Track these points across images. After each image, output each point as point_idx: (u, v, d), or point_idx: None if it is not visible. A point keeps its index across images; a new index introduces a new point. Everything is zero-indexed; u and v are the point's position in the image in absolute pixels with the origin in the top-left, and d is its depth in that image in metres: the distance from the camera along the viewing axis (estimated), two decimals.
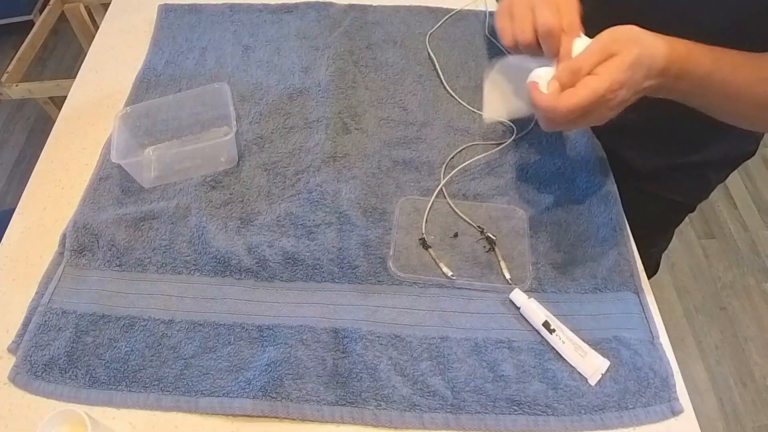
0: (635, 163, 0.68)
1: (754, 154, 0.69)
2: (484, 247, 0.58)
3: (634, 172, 0.66)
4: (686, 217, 0.81)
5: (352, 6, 0.82)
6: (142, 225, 0.59)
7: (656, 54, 0.43)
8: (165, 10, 0.82)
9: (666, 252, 1.19)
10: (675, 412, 0.48)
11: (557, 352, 0.51)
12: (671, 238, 0.88)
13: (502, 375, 0.49)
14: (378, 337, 0.51)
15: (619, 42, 0.43)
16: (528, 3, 0.49)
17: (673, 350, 0.52)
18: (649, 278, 0.57)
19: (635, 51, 0.42)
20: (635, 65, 0.42)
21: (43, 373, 0.50)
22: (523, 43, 0.48)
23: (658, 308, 0.55)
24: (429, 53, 0.77)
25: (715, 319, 1.38)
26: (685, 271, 1.46)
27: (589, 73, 0.42)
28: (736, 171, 0.72)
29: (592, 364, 0.50)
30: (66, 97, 0.73)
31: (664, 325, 0.54)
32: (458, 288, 0.55)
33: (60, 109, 0.72)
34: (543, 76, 0.45)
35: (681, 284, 1.44)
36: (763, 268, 1.47)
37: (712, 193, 0.77)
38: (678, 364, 0.51)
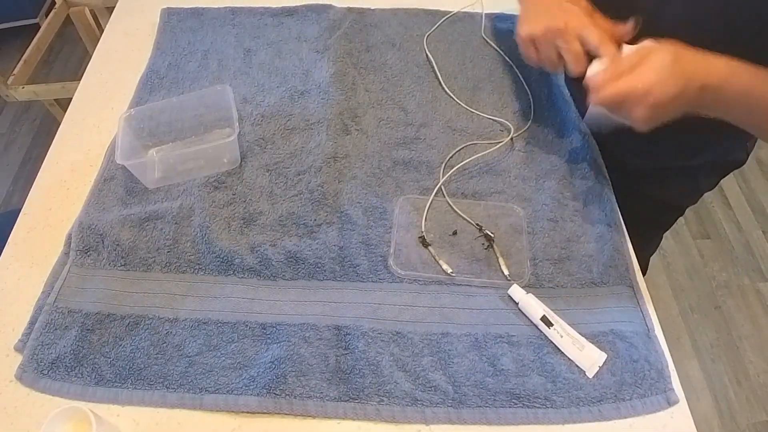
0: (625, 161, 0.69)
1: (743, 164, 0.70)
2: (483, 244, 0.59)
3: (623, 170, 0.68)
4: (681, 218, 0.82)
5: (351, 9, 0.84)
6: (147, 225, 0.60)
7: (696, 70, 0.46)
8: (168, 14, 0.83)
9: (662, 252, 1.20)
10: (671, 402, 0.49)
11: (555, 345, 0.52)
12: (659, 241, 0.89)
13: (502, 369, 0.50)
14: (380, 333, 0.52)
15: (654, 48, 0.47)
16: (550, 40, 0.55)
17: (669, 349, 0.52)
18: (649, 255, 0.59)
19: (667, 57, 0.46)
20: (665, 69, 0.45)
21: (49, 372, 0.50)
22: (551, 69, 0.58)
23: (654, 307, 0.55)
24: (427, 55, 0.78)
25: (711, 318, 1.39)
26: (681, 270, 1.48)
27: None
28: (731, 173, 0.73)
29: (589, 357, 0.51)
30: (71, 99, 0.74)
31: (660, 324, 0.54)
32: (458, 285, 0.56)
33: (65, 111, 0.72)
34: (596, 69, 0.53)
35: (677, 284, 1.45)
36: (758, 267, 1.48)
37: (707, 194, 0.78)
38: (674, 362, 0.52)
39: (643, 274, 0.59)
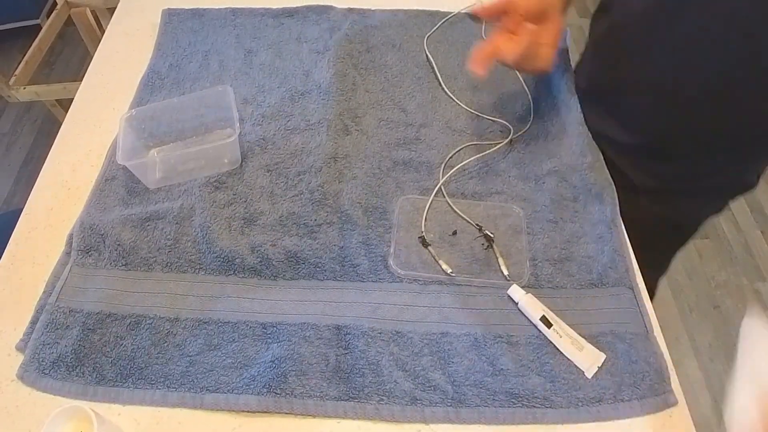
0: (629, 177, 0.67)
1: (754, 187, 0.67)
2: (483, 244, 0.59)
3: (628, 186, 0.65)
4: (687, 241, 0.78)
5: (351, 10, 0.84)
6: (148, 225, 0.60)
7: None
8: (169, 15, 0.84)
9: None
10: (669, 404, 0.49)
11: (555, 346, 0.52)
12: (668, 263, 0.85)
13: (501, 369, 0.50)
14: (379, 333, 0.52)
15: None
16: None
17: (668, 348, 0.53)
18: (659, 276, 0.57)
19: None
20: None
21: (51, 371, 0.50)
22: None
23: (653, 307, 0.55)
24: (427, 56, 0.78)
25: (709, 317, 1.39)
26: (680, 270, 1.48)
27: None
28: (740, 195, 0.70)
29: (588, 358, 0.51)
30: (72, 99, 0.74)
31: (659, 323, 0.54)
32: (457, 285, 0.56)
33: (66, 112, 0.73)
34: None
35: (675, 284, 1.45)
36: (756, 267, 1.48)
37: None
38: (672, 362, 0.52)
39: (651, 297, 0.57)
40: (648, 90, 0.61)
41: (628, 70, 0.62)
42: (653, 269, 0.78)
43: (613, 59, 0.64)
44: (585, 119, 0.69)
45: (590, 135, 0.69)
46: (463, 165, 0.65)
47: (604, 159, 0.66)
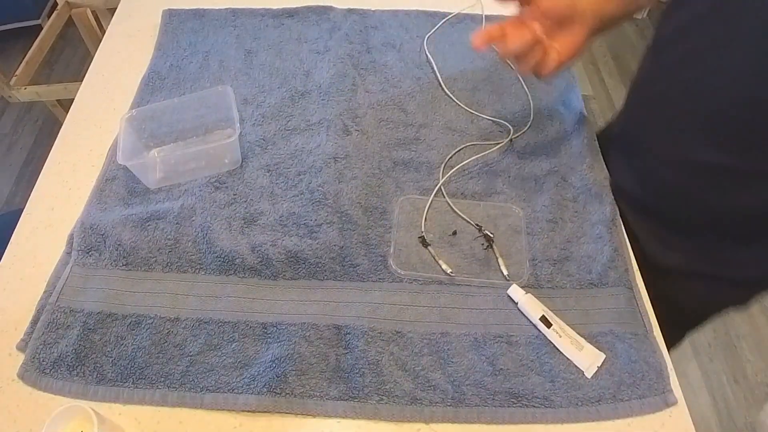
0: (648, 250, 0.62)
1: None
2: (482, 244, 0.59)
3: (646, 259, 0.61)
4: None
5: (351, 10, 0.84)
6: (148, 225, 0.60)
7: None
8: (169, 15, 0.84)
9: None
10: (669, 403, 0.49)
11: (554, 345, 0.52)
12: (681, 338, 0.78)
13: (501, 369, 0.51)
14: (379, 333, 0.52)
15: None
16: None
17: (668, 348, 0.53)
18: (668, 349, 0.53)
19: None
20: None
21: (51, 371, 0.50)
22: None
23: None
24: (427, 56, 0.78)
25: None
26: None
27: None
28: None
29: (588, 358, 0.51)
30: (73, 99, 0.74)
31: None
32: (457, 284, 0.56)
33: (67, 112, 0.73)
34: None
35: None
36: None
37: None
38: (672, 361, 0.52)
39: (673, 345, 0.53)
40: (680, 148, 0.56)
41: (663, 117, 0.57)
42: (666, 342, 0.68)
43: (649, 104, 0.60)
44: (608, 171, 0.65)
45: (590, 136, 0.69)
46: (463, 165, 0.65)
47: (625, 224, 0.61)
